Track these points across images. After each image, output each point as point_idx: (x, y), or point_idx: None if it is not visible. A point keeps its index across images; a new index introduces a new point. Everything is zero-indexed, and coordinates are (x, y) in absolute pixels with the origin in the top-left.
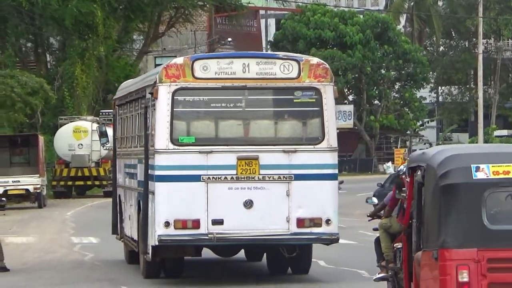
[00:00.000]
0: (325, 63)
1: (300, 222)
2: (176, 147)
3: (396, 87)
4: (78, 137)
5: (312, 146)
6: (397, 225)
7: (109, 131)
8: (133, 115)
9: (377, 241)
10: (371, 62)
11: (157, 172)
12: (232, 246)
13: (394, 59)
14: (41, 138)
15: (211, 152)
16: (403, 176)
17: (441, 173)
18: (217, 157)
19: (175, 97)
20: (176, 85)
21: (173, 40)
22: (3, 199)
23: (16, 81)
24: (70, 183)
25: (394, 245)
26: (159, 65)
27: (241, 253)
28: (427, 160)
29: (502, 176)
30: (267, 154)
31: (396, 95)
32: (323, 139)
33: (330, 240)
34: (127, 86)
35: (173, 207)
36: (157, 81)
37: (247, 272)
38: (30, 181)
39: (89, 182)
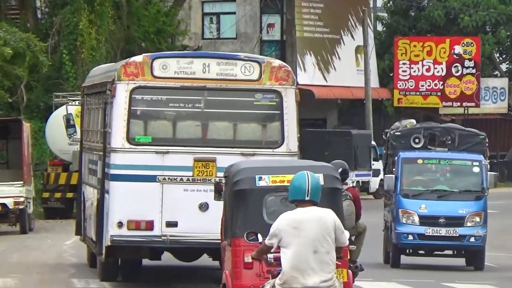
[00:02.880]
0: (287, 65)
1: None
2: (132, 146)
3: None
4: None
5: (271, 150)
6: None
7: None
8: (97, 108)
9: None
10: None
11: (112, 171)
12: (188, 249)
13: None
14: (26, 126)
15: (167, 152)
16: (222, 183)
17: (234, 181)
18: (174, 158)
19: (132, 96)
20: (135, 83)
21: None
22: None
23: None
24: (70, 195)
25: None
26: (207, 15)
27: (205, 258)
28: (228, 171)
29: (278, 184)
30: (224, 156)
31: None
32: (282, 143)
33: None
34: (94, 75)
35: (127, 207)
36: (115, 79)
37: (207, 277)
38: (9, 192)
39: None
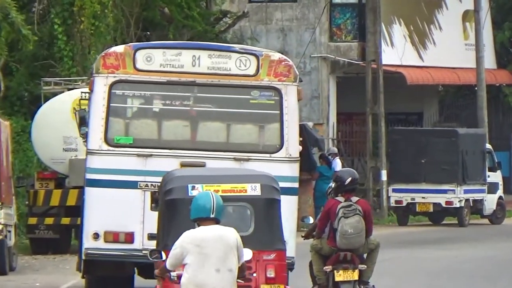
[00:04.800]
0: (288, 59)
1: None
2: (110, 148)
3: None
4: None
5: (268, 155)
6: (327, 247)
7: None
8: None
9: (311, 264)
10: None
11: (88, 176)
12: None
13: None
14: (4, 125)
15: (150, 155)
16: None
17: (166, 190)
18: (158, 162)
19: (112, 91)
20: (115, 77)
21: None
22: None
23: None
24: (66, 220)
25: (325, 268)
26: None
27: None
28: (162, 180)
29: None
30: (215, 161)
31: None
32: (281, 148)
33: None
34: None
35: (104, 216)
36: (93, 71)
37: None
38: None
39: None
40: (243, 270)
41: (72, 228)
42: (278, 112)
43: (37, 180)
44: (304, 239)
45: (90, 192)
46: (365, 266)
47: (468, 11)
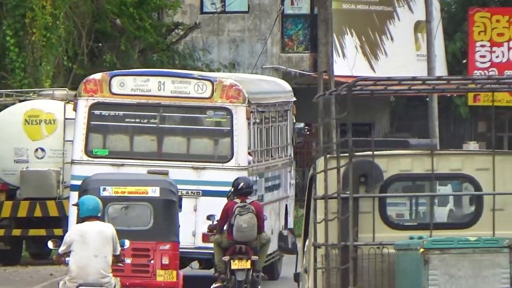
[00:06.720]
0: (238, 84)
1: (205, 237)
2: (90, 158)
3: None
4: (36, 134)
5: (221, 164)
6: (226, 240)
7: None
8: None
9: (213, 255)
10: None
11: (72, 182)
12: None
13: None
14: None
15: (123, 165)
16: None
17: (82, 190)
18: (129, 170)
19: (91, 111)
20: (93, 99)
21: None
22: None
23: None
24: (17, 232)
25: (223, 258)
26: None
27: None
28: (82, 182)
29: (119, 194)
30: (177, 169)
31: None
32: (231, 158)
33: None
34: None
35: None
36: (77, 95)
37: None
38: None
39: (58, 231)
40: (119, 257)
41: (23, 239)
42: (229, 128)
43: None
44: (208, 234)
45: (74, 196)
46: (257, 258)
47: (420, 22)
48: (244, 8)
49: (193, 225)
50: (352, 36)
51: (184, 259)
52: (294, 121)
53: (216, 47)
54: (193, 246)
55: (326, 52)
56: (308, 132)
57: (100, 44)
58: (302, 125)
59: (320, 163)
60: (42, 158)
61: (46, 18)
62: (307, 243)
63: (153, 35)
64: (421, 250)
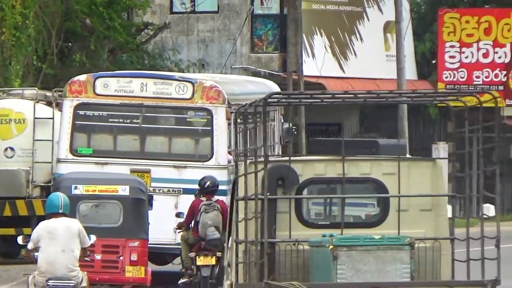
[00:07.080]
0: (218, 85)
1: None
2: (74, 157)
3: None
4: (5, 134)
5: (201, 163)
6: (192, 237)
7: None
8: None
9: (180, 251)
10: None
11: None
12: None
13: None
14: None
15: (106, 163)
16: None
17: (55, 188)
18: (112, 169)
19: (76, 111)
20: (78, 100)
21: None
22: None
23: None
24: None
25: (189, 254)
26: None
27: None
28: (54, 180)
29: (90, 192)
30: (158, 168)
31: None
32: (211, 157)
33: None
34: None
35: None
36: (62, 95)
37: None
38: None
39: (27, 230)
40: (86, 252)
41: None
42: (210, 128)
43: None
44: (177, 231)
45: None
46: (220, 254)
47: (389, 22)
48: (213, 8)
49: (175, 222)
50: (321, 36)
51: (166, 255)
52: (282, 121)
53: (185, 47)
54: (174, 243)
55: (295, 52)
56: (296, 132)
57: (69, 44)
58: (290, 124)
59: (241, 168)
60: (11, 157)
61: (16, 18)
62: (230, 240)
63: (122, 35)
64: (331, 247)
